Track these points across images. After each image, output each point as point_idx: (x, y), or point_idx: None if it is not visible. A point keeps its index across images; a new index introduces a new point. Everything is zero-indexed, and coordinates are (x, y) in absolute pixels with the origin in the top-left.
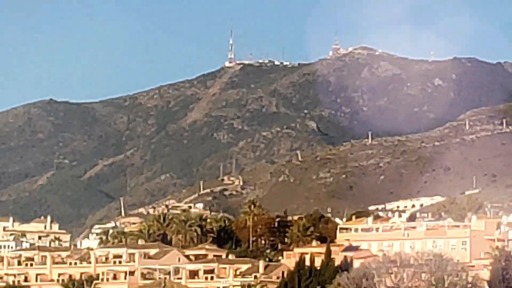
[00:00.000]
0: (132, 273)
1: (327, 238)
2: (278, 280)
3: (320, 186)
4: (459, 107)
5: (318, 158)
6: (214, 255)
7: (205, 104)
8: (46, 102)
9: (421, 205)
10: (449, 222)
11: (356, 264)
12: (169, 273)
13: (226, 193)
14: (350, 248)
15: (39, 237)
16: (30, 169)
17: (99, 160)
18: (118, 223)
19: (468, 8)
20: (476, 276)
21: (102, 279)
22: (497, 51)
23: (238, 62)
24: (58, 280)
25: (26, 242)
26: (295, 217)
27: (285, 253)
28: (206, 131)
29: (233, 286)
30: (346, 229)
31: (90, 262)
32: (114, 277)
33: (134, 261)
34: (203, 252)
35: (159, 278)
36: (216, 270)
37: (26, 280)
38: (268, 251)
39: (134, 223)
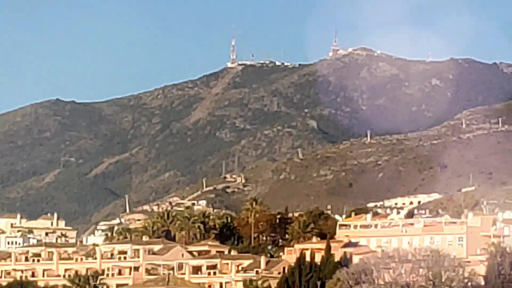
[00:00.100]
0: (136, 268)
1: (327, 235)
2: (279, 276)
3: (320, 184)
4: (456, 106)
5: (318, 156)
6: (217, 251)
7: (208, 104)
8: (53, 102)
9: (419, 202)
10: (446, 219)
11: (355, 259)
12: (172, 269)
13: (229, 190)
14: (349, 244)
15: (46, 234)
16: (37, 167)
17: (105, 158)
18: (123, 220)
19: (467, 8)
20: (472, 272)
21: (108, 275)
22: (494, 51)
23: (240, 63)
24: (64, 276)
25: (33, 238)
26: (296, 214)
27: (286, 249)
28: (209, 130)
29: (235, 281)
30: (346, 225)
31: (95, 258)
32: (119, 273)
33: (138, 257)
34: (206, 248)
35: (163, 273)
36: (218, 266)
37: (33, 275)
38: (269, 247)
39: (139, 220)
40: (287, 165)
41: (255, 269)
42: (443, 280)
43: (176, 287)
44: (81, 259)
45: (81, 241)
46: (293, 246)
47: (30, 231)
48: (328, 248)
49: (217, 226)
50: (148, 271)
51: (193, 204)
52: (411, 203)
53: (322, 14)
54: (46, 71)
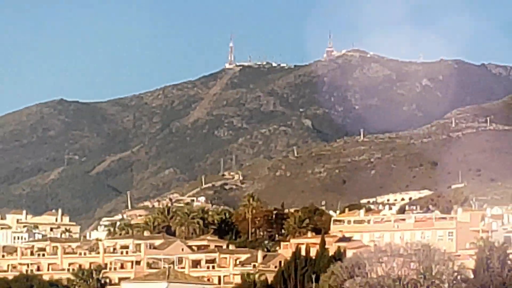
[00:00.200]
0: (138, 262)
1: (321, 230)
2: (276, 269)
3: (315, 181)
4: (446, 106)
5: (313, 154)
6: (215, 246)
7: (206, 103)
8: (57, 102)
9: (410, 198)
10: (437, 214)
11: (349, 254)
12: (173, 263)
13: (227, 187)
14: (343, 239)
15: (51, 229)
16: (42, 164)
17: (107, 156)
18: (125, 216)
19: (463, 9)
20: (461, 265)
21: (110, 268)
22: (487, 52)
23: (237, 64)
24: (68, 269)
25: (39, 233)
26: (292, 210)
27: (282, 243)
28: (207, 129)
29: (233, 275)
30: (340, 221)
31: (98, 252)
32: (122, 267)
33: (140, 251)
34: (205, 243)
35: (164, 267)
36: (217, 260)
37: (38, 269)
38: (266, 241)
39: (140, 216)
40: (283, 163)
41: (252, 263)
42: (433, 274)
43: (176, 280)
44: (85, 253)
45: (85, 236)
46: (289, 240)
47: (36, 226)
48: (323, 242)
49: (215, 221)
50: (149, 265)
51: (193, 200)
52: (402, 199)
53: (317, 17)
54: (50, 72)
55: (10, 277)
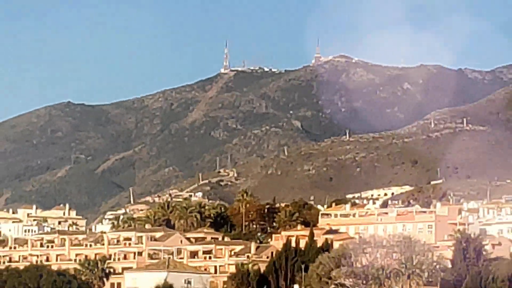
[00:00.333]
0: (140, 253)
1: (310, 223)
2: (268, 260)
3: (304, 177)
4: (425, 108)
5: (302, 153)
6: (212, 238)
7: (203, 106)
8: (65, 105)
9: (392, 193)
10: (417, 208)
11: (336, 245)
12: (172, 254)
13: (222, 183)
14: (330, 231)
15: (59, 222)
16: (50, 163)
17: (111, 155)
18: (127, 210)
19: (439, 20)
20: (440, 256)
21: (114, 259)
22: (459, 58)
23: (232, 69)
24: (75, 260)
25: (48, 226)
26: (282, 204)
27: (273, 235)
28: (204, 130)
29: (228, 265)
30: (327, 214)
31: (103, 244)
32: (125, 257)
33: (142, 243)
34: (202, 235)
35: (164, 258)
36: (213, 251)
37: (47, 260)
38: (259, 234)
39: (142, 210)
40: (274, 161)
41: (246, 254)
42: (414, 264)
43: (175, 270)
44: (90, 245)
45: (90, 229)
46: (280, 233)
47: (45, 220)
48: (311, 235)
49: (212, 215)
50: (150, 256)
51: (191, 195)
52: (385, 194)
53: (306, 26)
54: (58, 77)
55: (21, 267)
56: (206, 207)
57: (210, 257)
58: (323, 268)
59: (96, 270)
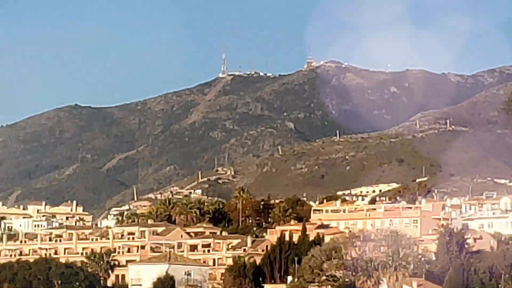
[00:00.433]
0: (143, 247)
1: (303, 218)
2: (263, 253)
3: (297, 175)
4: (411, 110)
5: (295, 152)
6: (210, 232)
7: (202, 108)
8: (72, 107)
9: (380, 190)
10: (403, 205)
11: (327, 239)
12: (173, 247)
13: (220, 181)
14: (322, 226)
15: (67, 218)
16: (59, 162)
17: (116, 155)
18: (131, 206)
19: (423, 25)
20: (425, 249)
21: (119, 252)
22: (443, 62)
23: (229, 73)
24: (82, 253)
25: (56, 222)
26: (277, 201)
27: (268, 230)
28: (203, 130)
29: (226, 257)
30: (319, 210)
31: (108, 238)
32: (128, 251)
33: (144, 237)
34: (201, 230)
35: (165, 251)
36: (212, 245)
37: (56, 253)
38: (254, 228)
39: (145, 206)
40: (269, 160)
41: (242, 247)
42: (400, 256)
43: (176, 262)
44: (96, 239)
45: (96, 224)
46: (274, 227)
47: (53, 216)
48: (304, 229)
49: (210, 211)
50: (152, 249)
51: (190, 193)
52: (373, 191)
53: (298, 33)
54: (66, 82)
55: (31, 260)
56: (205, 204)
57: (208, 251)
58: (315, 260)
59: (101, 262)
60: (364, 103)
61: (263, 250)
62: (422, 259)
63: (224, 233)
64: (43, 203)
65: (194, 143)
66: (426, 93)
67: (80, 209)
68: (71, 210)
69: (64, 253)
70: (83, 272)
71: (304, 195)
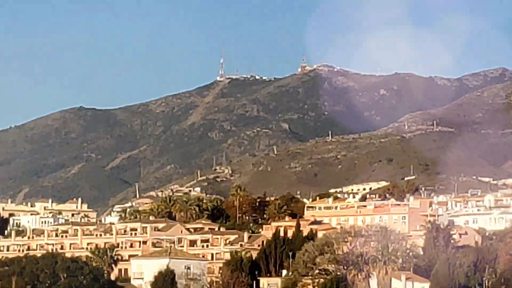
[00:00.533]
0: (145, 242)
1: (297, 215)
2: (259, 248)
3: (291, 174)
4: (400, 111)
5: (290, 152)
6: (209, 228)
7: (201, 110)
8: (78, 109)
9: (370, 188)
10: (392, 202)
11: (320, 234)
12: (173, 242)
13: (218, 179)
14: (315, 222)
15: (72, 215)
16: (65, 161)
17: (119, 154)
18: (133, 203)
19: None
20: (413, 244)
21: (122, 247)
22: (430, 66)
23: (227, 77)
24: (87, 248)
25: (62, 218)
26: (272, 198)
27: (264, 226)
28: (202, 131)
29: (224, 252)
30: (312, 207)
31: (112, 234)
32: (131, 246)
33: (146, 233)
34: (200, 226)
35: (166, 246)
36: (210, 240)
37: (62, 248)
38: (251, 224)
39: (146, 203)
40: (264, 159)
41: (239, 243)
42: (389, 251)
43: (176, 257)
44: (100, 235)
45: (100, 221)
46: (270, 224)
47: (60, 212)
48: (298, 225)
49: (209, 208)
50: (154, 244)
51: (190, 190)
52: (364, 189)
53: (292, 38)
54: (72, 85)
55: (39, 255)
56: (204, 201)
57: (207, 246)
58: (308, 255)
59: (105, 257)
60: (355, 105)
61: (259, 245)
62: (410, 253)
63: (222, 229)
64: (50, 200)
65: (194, 143)
66: (414, 96)
67: (85, 206)
68: (77, 207)
69: (70, 248)
70: (87, 266)
71: (298, 192)
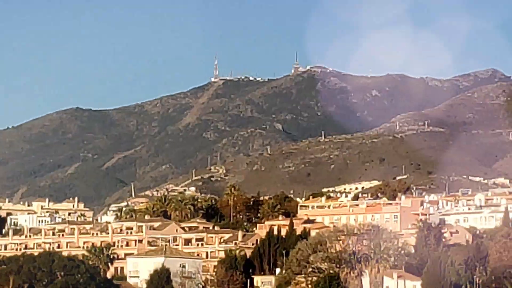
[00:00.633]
0: (140, 241)
1: (290, 214)
2: (253, 246)
3: (285, 174)
4: (391, 112)
5: (283, 152)
6: (204, 227)
7: (196, 111)
8: (74, 110)
9: (363, 187)
10: (384, 201)
11: (313, 233)
12: (169, 241)
13: (213, 179)
14: (308, 221)
15: (69, 214)
16: (61, 161)
17: (115, 154)
18: (129, 203)
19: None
20: (405, 242)
21: (117, 246)
22: (421, 67)
23: (221, 78)
24: (83, 247)
25: (59, 217)
26: (266, 197)
27: (258, 225)
28: (197, 131)
29: (218, 251)
30: (305, 206)
31: (108, 233)
32: (127, 244)
33: (142, 232)
34: (195, 224)
35: (161, 245)
36: (205, 239)
37: (58, 247)
38: (245, 223)
39: (142, 203)
40: (258, 159)
41: (234, 241)
42: (382, 249)
43: (172, 255)
44: (97, 233)
45: (97, 220)
46: (263, 222)
47: (56, 212)
48: (291, 224)
49: (204, 207)
50: (149, 243)
51: (185, 190)
52: (356, 188)
53: (285, 40)
54: (68, 86)
55: (36, 253)
56: (199, 200)
57: (202, 244)
58: (301, 253)
59: (101, 255)
60: (348, 106)
61: (253, 244)
62: (402, 252)
63: (216, 228)
64: (47, 200)
65: (188, 143)
66: (406, 96)
67: (81, 206)
68: (73, 206)
69: (67, 247)
70: (84, 264)
71: (291, 192)
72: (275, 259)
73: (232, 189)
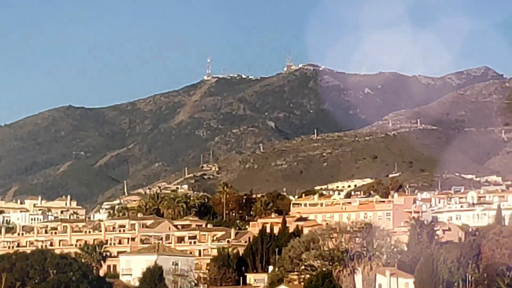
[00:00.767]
0: (133, 239)
1: (283, 211)
2: (246, 244)
3: (277, 171)
4: (384, 110)
5: (276, 150)
6: (196, 225)
7: (189, 109)
8: (67, 108)
9: (355, 185)
10: (377, 198)
11: (306, 231)
12: (161, 239)
13: (205, 177)
14: (301, 219)
15: (61, 212)
16: (54, 159)
17: (107, 152)
18: (122, 201)
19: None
20: (397, 240)
21: (110, 244)
22: (412, 65)
23: (214, 76)
24: (76, 245)
25: (51, 215)
26: (259, 195)
27: (251, 223)
28: (189, 129)
29: (211, 248)
30: (298, 204)
31: (100, 231)
32: (119, 242)
33: (134, 230)
34: (188, 222)
35: (154, 242)
36: (198, 236)
37: (51, 244)
38: (238, 221)
39: (135, 201)
40: (251, 157)
41: (226, 239)
42: (374, 247)
43: (164, 253)
44: (89, 231)
45: (89, 218)
46: (256, 220)
47: (49, 210)
48: (284, 222)
49: (196, 205)
50: (142, 241)
51: (177, 188)
52: (349, 186)
53: (278, 38)
54: (61, 84)
55: (28, 251)
56: (191, 198)
57: (195, 242)
58: (294, 251)
59: (94, 253)
60: (340, 104)
61: (245, 242)
62: (395, 249)
63: (209, 226)
64: (39, 197)
65: (181, 141)
66: (398, 94)
67: (74, 204)
68: (66, 204)
69: (59, 245)
70: (77, 262)
71: (284, 189)
72: (268, 256)
73: (225, 187)
